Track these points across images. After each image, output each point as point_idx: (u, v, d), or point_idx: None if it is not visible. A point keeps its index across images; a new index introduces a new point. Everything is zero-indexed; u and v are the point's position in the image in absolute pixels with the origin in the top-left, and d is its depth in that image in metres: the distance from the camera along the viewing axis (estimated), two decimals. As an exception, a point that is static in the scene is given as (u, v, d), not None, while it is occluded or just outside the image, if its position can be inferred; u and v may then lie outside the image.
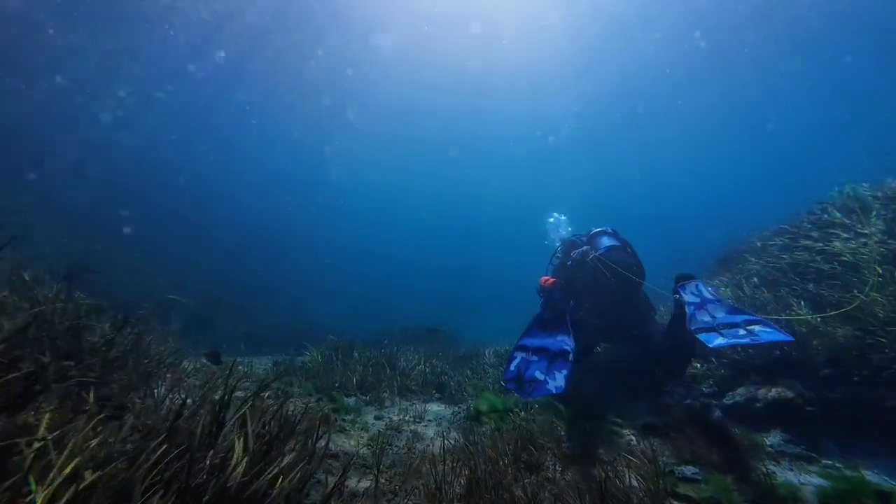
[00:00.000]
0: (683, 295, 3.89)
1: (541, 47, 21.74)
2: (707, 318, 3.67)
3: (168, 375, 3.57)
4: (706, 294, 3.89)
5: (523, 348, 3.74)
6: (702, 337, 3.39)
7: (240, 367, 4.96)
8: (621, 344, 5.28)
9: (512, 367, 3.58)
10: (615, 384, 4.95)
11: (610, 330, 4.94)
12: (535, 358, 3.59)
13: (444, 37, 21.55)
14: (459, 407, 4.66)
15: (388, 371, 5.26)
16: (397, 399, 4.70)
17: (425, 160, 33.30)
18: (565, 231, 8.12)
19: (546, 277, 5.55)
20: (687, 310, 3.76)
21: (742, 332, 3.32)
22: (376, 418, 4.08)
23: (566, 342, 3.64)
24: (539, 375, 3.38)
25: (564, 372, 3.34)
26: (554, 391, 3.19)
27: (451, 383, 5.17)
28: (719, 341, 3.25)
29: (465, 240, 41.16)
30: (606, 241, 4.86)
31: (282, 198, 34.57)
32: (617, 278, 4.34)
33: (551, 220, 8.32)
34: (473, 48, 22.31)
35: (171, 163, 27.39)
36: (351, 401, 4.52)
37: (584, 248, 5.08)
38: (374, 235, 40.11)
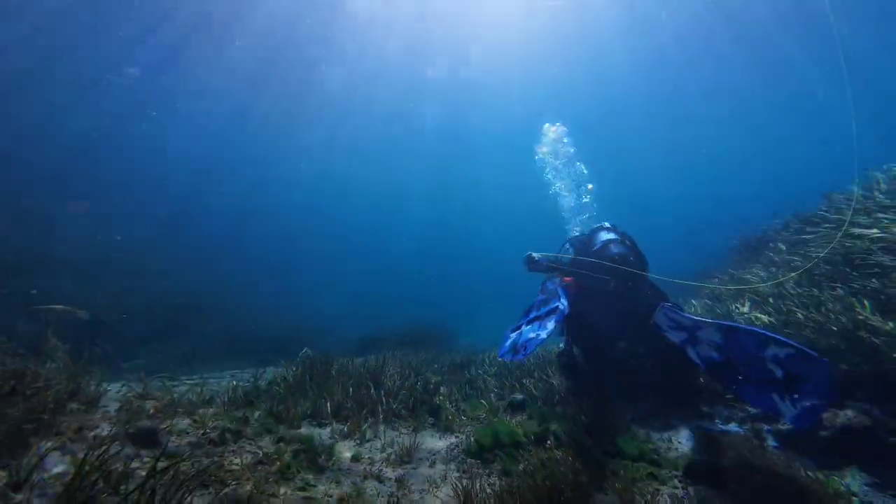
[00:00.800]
0: (667, 334, 3.57)
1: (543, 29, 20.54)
2: (714, 354, 3.21)
3: (68, 427, 2.68)
4: (684, 321, 3.48)
5: (517, 328, 3.73)
6: (770, 404, 2.90)
7: (189, 393, 4.09)
8: (633, 341, 4.94)
9: (507, 344, 3.53)
10: (642, 393, 4.28)
11: (619, 326, 4.69)
12: (528, 327, 3.59)
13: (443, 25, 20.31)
14: (458, 437, 3.86)
15: (371, 391, 4.43)
16: (381, 428, 3.88)
17: (421, 155, 32.16)
18: (560, 141, 8.24)
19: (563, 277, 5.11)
20: (689, 353, 3.36)
21: (775, 370, 2.84)
22: (353, 459, 3.26)
23: (559, 302, 3.63)
24: (531, 334, 3.37)
25: (554, 318, 3.36)
26: (545, 336, 3.28)
27: (448, 405, 4.36)
28: (792, 412, 2.78)
29: (462, 237, 40.24)
30: (603, 236, 4.77)
31: (266, 196, 32.93)
32: (612, 272, 4.21)
33: (547, 127, 8.24)
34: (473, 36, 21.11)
35: (137, 155, 25.40)
36: (325, 433, 3.69)
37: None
38: (368, 234, 38.94)
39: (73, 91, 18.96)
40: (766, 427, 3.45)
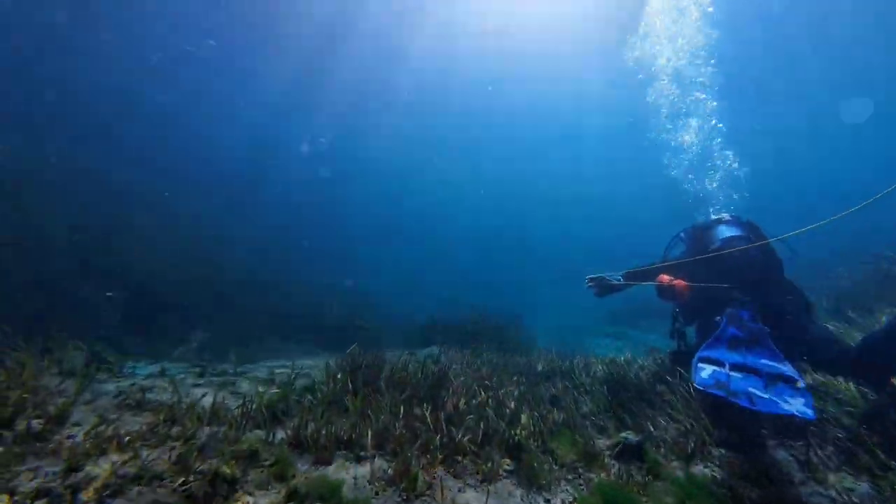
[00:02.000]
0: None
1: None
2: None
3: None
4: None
5: (710, 360, 3.06)
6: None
7: (204, 398, 3.31)
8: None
9: (705, 376, 2.92)
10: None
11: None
12: (738, 375, 2.89)
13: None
14: (547, 499, 2.60)
15: (427, 411, 3.31)
16: (439, 473, 2.75)
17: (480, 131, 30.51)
18: None
19: (665, 276, 4.02)
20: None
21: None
22: (396, 537, 2.16)
23: (782, 368, 2.83)
24: (757, 392, 2.69)
25: (803, 399, 2.58)
26: (797, 414, 2.48)
27: (532, 443, 3.09)
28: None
29: (523, 216, 38.22)
30: (724, 232, 4.09)
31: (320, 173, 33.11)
32: (730, 277, 3.58)
33: None
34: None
35: (204, 125, 26.21)
36: (361, 475, 2.66)
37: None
38: (430, 212, 38.49)
39: (156, 64, 20.06)
40: None
